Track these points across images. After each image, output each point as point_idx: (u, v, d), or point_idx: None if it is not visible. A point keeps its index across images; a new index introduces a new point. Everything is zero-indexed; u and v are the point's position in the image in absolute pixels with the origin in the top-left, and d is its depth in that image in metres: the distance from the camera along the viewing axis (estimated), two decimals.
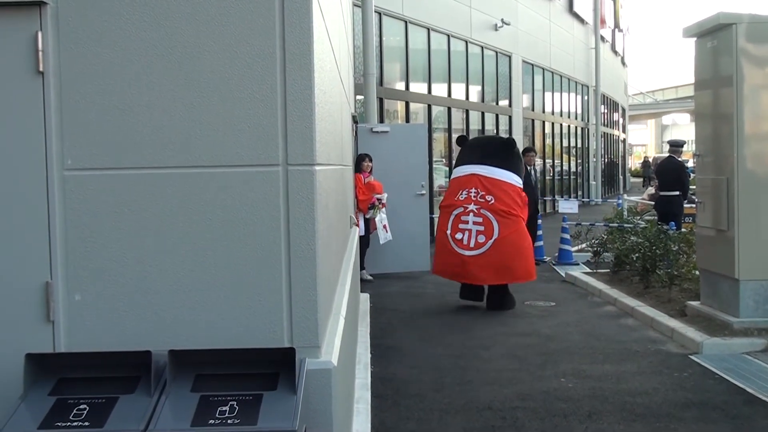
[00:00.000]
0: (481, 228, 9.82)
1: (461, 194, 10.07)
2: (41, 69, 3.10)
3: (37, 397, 2.89)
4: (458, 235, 9.94)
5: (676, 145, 13.81)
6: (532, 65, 25.52)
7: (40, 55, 3.09)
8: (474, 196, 9.97)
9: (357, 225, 10.50)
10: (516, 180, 10.10)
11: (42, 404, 2.85)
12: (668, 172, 13.53)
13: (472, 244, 9.85)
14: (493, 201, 9.84)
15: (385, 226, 12.36)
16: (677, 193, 13.24)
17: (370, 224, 12.29)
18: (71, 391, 2.91)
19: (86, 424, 2.76)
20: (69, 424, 2.76)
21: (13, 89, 3.11)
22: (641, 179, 45.52)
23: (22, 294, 3.13)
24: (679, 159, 13.71)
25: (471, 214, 9.93)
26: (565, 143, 30.30)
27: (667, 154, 14.29)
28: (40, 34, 3.09)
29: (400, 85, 17.35)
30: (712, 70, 8.50)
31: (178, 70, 3.13)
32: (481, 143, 11.19)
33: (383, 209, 12.33)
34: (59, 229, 3.13)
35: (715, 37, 8.31)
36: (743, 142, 7.96)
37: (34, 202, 3.12)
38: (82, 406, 2.83)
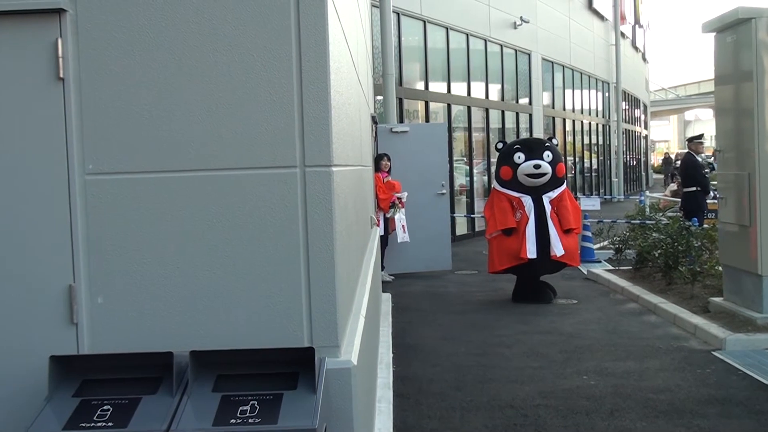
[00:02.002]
0: None
1: None
2: (62, 75, 3.14)
3: (61, 398, 2.93)
4: None
5: (692, 140, 13.74)
6: (552, 63, 25.46)
7: (61, 62, 3.14)
8: None
9: (378, 225, 10.53)
10: (494, 183, 11.04)
11: (66, 405, 2.89)
12: (684, 169, 13.54)
13: None
14: None
15: (403, 226, 12.39)
16: (694, 188, 13.17)
17: (389, 224, 12.30)
18: (95, 392, 2.95)
19: (110, 424, 2.80)
20: (93, 424, 2.80)
21: (35, 95, 3.15)
22: (663, 176, 44.51)
23: (46, 297, 3.18)
24: (697, 154, 13.58)
25: None
26: (586, 140, 30.22)
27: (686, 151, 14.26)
28: (60, 41, 3.14)
29: (420, 85, 17.36)
30: (731, 64, 8.46)
31: (195, 74, 3.16)
32: None
33: (402, 209, 12.36)
34: (81, 232, 3.17)
35: (734, 31, 8.27)
36: (764, 136, 7.92)
37: (57, 207, 3.17)
38: (105, 407, 2.87)
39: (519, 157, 10.35)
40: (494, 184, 10.94)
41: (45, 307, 3.18)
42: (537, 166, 10.23)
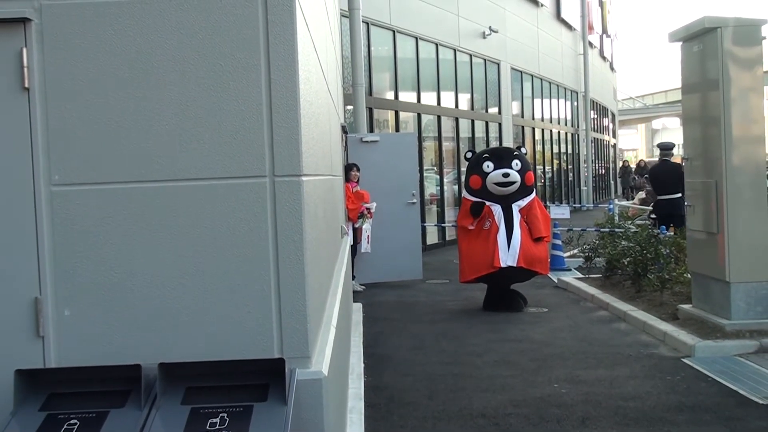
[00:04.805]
0: None
1: None
2: (27, 85, 3.10)
3: (27, 412, 2.88)
4: None
5: (668, 149, 13.85)
6: (521, 72, 25.59)
7: (26, 71, 3.09)
8: None
9: (347, 234, 10.51)
10: (464, 192, 11.05)
11: (32, 420, 2.85)
12: (667, 175, 13.40)
13: None
14: None
15: (368, 237, 12.39)
16: (679, 195, 13.17)
17: (357, 233, 12.29)
18: (62, 406, 2.91)
19: None
20: None
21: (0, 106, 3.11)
22: (621, 188, 41.69)
23: (12, 310, 3.13)
24: (673, 161, 13.73)
25: None
26: (555, 149, 30.39)
27: (656, 159, 14.34)
28: (24, 51, 3.10)
29: (390, 95, 17.38)
30: (698, 73, 8.55)
31: (163, 83, 3.13)
32: None
33: (370, 219, 12.36)
34: (47, 244, 3.13)
35: (701, 41, 8.36)
36: (731, 144, 8.01)
37: (22, 219, 3.12)
38: (72, 421, 2.83)
39: (488, 166, 10.39)
40: (464, 193, 10.97)
41: (10, 320, 3.13)
42: (506, 175, 10.28)
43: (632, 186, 38.45)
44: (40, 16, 3.12)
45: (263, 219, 3.17)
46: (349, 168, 12.19)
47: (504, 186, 10.30)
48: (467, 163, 11.10)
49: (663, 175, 13.56)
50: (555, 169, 30.23)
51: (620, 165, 44.53)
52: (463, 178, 19.99)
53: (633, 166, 42.20)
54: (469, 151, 11.44)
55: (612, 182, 43.79)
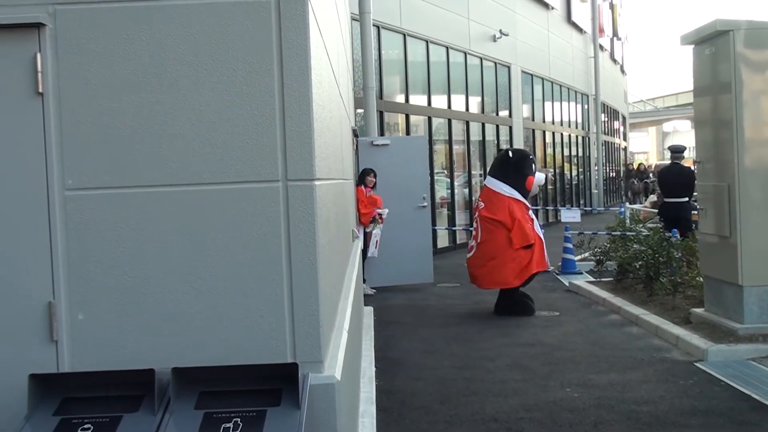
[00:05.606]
0: (475, 233, 10.68)
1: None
2: (41, 90, 3.11)
3: (41, 417, 2.89)
4: (470, 242, 10.94)
5: (679, 151, 13.78)
6: (532, 75, 25.56)
7: (40, 77, 3.10)
8: (479, 206, 10.75)
9: (358, 237, 10.52)
10: (505, 190, 10.40)
11: (46, 424, 2.85)
12: (676, 178, 13.31)
13: (468, 248, 10.90)
14: (483, 207, 10.49)
15: (376, 242, 12.39)
16: (686, 199, 13.12)
17: (367, 237, 12.29)
18: (75, 411, 2.91)
19: None
20: None
21: (14, 110, 3.12)
22: (625, 192, 40.37)
23: (26, 314, 3.13)
24: (683, 165, 13.67)
25: (474, 221, 10.85)
26: (566, 152, 30.33)
27: (668, 161, 14.23)
28: (39, 56, 3.11)
29: (400, 98, 17.37)
30: (710, 76, 8.52)
31: (176, 88, 3.14)
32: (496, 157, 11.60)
33: (381, 224, 12.37)
34: (61, 248, 3.14)
35: (713, 43, 8.33)
36: (743, 148, 7.97)
37: (36, 223, 3.13)
38: (86, 426, 2.83)
39: (533, 167, 10.59)
40: (514, 194, 10.35)
41: (24, 324, 3.13)
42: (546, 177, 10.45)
43: (633, 191, 38.26)
44: (54, 21, 3.13)
45: (276, 223, 3.17)
46: (366, 173, 12.23)
47: (540, 189, 10.47)
48: (509, 160, 10.73)
49: (672, 178, 13.50)
50: (566, 172, 30.17)
51: (625, 169, 43.99)
52: (474, 181, 20.20)
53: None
54: (508, 150, 11.36)
55: (623, 185, 43.65)
